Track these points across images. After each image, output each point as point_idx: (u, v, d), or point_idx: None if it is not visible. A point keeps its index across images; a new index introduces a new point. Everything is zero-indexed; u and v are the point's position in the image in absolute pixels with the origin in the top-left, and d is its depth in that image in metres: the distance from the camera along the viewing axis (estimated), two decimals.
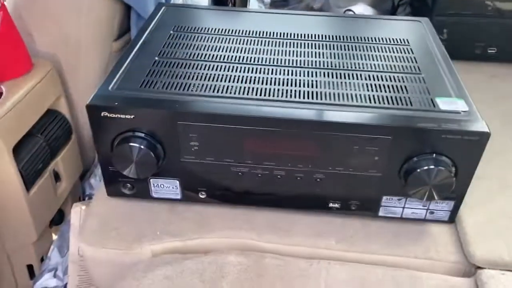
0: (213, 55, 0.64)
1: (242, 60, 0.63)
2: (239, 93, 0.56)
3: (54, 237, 0.97)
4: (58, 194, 0.90)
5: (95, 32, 0.86)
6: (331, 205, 0.60)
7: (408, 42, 0.69)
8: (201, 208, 0.63)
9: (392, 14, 1.14)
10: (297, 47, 0.67)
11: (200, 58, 0.64)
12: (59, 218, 0.98)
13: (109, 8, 0.85)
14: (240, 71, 0.61)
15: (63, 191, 0.92)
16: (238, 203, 0.62)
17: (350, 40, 0.70)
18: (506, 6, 0.93)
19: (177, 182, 0.60)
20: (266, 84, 0.58)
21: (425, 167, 0.53)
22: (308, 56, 0.65)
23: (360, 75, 0.61)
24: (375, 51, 0.67)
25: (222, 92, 0.56)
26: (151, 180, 0.60)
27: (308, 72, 0.61)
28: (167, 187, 0.60)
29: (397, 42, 0.69)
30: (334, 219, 0.63)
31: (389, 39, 0.70)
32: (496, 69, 0.97)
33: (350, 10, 1.11)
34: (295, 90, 0.57)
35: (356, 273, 0.57)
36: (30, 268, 0.92)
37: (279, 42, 0.68)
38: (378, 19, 0.77)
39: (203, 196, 0.61)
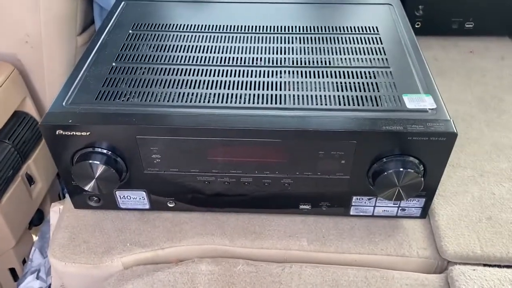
0: (173, 56, 0.62)
1: (204, 61, 0.61)
2: (199, 101, 0.54)
3: (35, 238, 0.97)
4: (34, 197, 0.89)
5: (55, 29, 0.83)
6: (301, 206, 0.60)
7: (377, 30, 0.67)
8: (171, 215, 0.62)
9: None
10: (262, 42, 0.64)
11: (160, 60, 0.61)
12: (38, 219, 0.97)
13: (68, 4, 0.81)
14: (201, 75, 0.58)
15: (39, 193, 0.91)
16: (208, 209, 0.61)
17: (318, 31, 0.67)
18: None
19: (144, 193, 0.59)
20: (229, 88, 0.56)
21: (392, 170, 0.51)
22: (274, 53, 0.62)
23: (327, 72, 0.59)
24: (343, 43, 0.64)
25: (182, 101, 0.54)
26: (116, 192, 0.59)
27: (273, 72, 0.59)
28: (134, 198, 0.59)
29: (366, 31, 0.67)
30: (307, 218, 0.62)
31: (358, 28, 0.67)
32: (474, 43, 0.94)
33: None
34: (259, 94, 0.55)
35: (328, 275, 0.57)
36: (12, 271, 0.92)
37: (244, 37, 0.65)
38: (347, 4, 0.74)
39: (172, 205, 0.60)
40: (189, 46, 0.64)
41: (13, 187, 0.81)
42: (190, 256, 0.59)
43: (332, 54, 0.62)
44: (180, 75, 0.58)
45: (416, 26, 0.93)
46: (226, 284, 0.56)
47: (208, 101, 0.54)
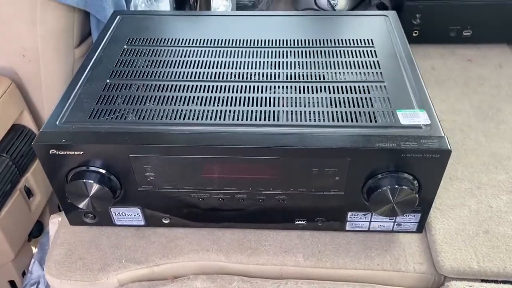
0: (167, 72, 0.62)
1: (197, 77, 0.61)
2: (192, 119, 0.54)
3: (34, 250, 0.97)
4: (33, 210, 0.89)
5: (52, 42, 0.83)
6: (297, 222, 0.59)
7: (372, 43, 0.66)
8: (167, 231, 0.62)
9: None
10: (256, 56, 0.64)
11: (153, 77, 0.61)
12: (38, 230, 0.97)
13: (65, 18, 0.82)
14: (194, 91, 0.58)
15: (38, 205, 0.91)
16: (203, 224, 0.61)
17: (312, 44, 0.67)
18: None
19: (139, 210, 0.59)
20: (222, 104, 0.56)
21: (386, 186, 0.51)
22: (267, 68, 0.62)
23: (321, 87, 0.58)
24: (337, 57, 0.64)
25: (175, 118, 0.54)
26: (111, 209, 0.59)
27: (267, 87, 0.59)
28: (129, 215, 0.59)
29: (361, 43, 0.66)
30: (303, 234, 0.62)
31: (353, 41, 0.67)
32: (472, 51, 0.94)
33: None
34: (253, 111, 0.55)
35: None
36: (12, 283, 0.92)
37: (238, 52, 0.65)
38: (342, 16, 0.74)
39: (167, 221, 0.60)
40: (182, 61, 0.64)
41: (11, 201, 0.81)
42: (186, 273, 0.59)
43: (326, 68, 0.62)
44: (173, 91, 0.58)
45: (414, 35, 0.93)
46: None
47: (201, 118, 0.54)
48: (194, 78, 0.61)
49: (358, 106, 0.55)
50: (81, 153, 0.52)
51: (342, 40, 0.67)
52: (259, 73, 0.61)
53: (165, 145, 0.51)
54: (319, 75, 0.60)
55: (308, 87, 0.59)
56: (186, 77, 0.61)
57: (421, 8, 0.90)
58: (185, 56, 0.65)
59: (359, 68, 0.62)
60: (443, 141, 0.50)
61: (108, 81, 0.60)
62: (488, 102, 0.82)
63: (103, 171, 0.53)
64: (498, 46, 0.95)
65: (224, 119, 0.54)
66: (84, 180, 0.52)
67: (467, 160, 0.70)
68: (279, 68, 0.62)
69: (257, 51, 0.65)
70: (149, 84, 0.59)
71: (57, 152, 0.52)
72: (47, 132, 0.53)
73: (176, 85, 0.59)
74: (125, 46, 0.67)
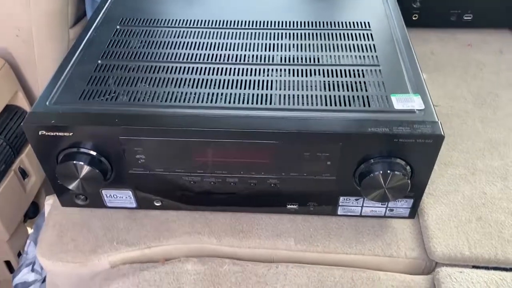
0: (160, 53, 0.61)
1: (190, 59, 0.60)
2: (184, 101, 0.53)
3: (30, 231, 0.97)
4: (28, 191, 0.89)
5: (46, 22, 0.82)
6: (289, 206, 0.59)
7: (369, 26, 0.65)
8: (159, 213, 0.62)
9: None
10: (251, 38, 0.63)
11: (146, 58, 0.60)
12: (34, 212, 0.97)
13: None
14: (186, 73, 0.57)
15: (33, 186, 0.91)
16: (195, 207, 0.61)
17: (308, 26, 0.66)
18: None
19: (130, 192, 0.58)
20: (216, 87, 0.55)
21: (378, 171, 0.51)
22: (262, 50, 0.61)
23: (316, 70, 0.58)
24: (333, 39, 0.63)
25: (167, 100, 0.53)
26: (103, 191, 0.58)
27: (261, 70, 0.58)
28: (120, 197, 0.59)
29: (357, 26, 0.65)
30: (295, 218, 0.62)
31: (349, 23, 0.66)
32: (472, 36, 0.93)
33: None
34: (246, 94, 0.54)
35: (314, 276, 0.56)
36: (8, 263, 0.93)
37: (232, 33, 0.64)
38: None
39: (158, 204, 0.60)
40: (175, 42, 0.63)
41: (6, 182, 0.81)
42: (177, 255, 0.59)
43: (321, 51, 0.61)
44: (166, 73, 0.58)
45: (414, 18, 0.91)
46: (211, 284, 0.56)
47: (193, 101, 0.53)
48: (187, 60, 0.60)
49: (352, 90, 0.55)
50: (70, 134, 0.51)
51: (338, 22, 0.66)
52: (253, 55, 0.60)
53: (156, 127, 0.51)
54: (314, 58, 0.60)
55: (302, 70, 0.58)
56: (179, 59, 0.60)
57: None
58: (178, 37, 0.64)
59: (354, 51, 0.61)
60: (437, 126, 0.50)
61: (99, 62, 0.59)
62: (487, 88, 0.81)
63: (93, 153, 0.53)
64: (499, 31, 0.93)
65: (216, 102, 0.53)
66: (74, 162, 0.52)
67: (463, 146, 0.69)
68: (273, 51, 0.61)
69: (251, 33, 0.64)
70: (141, 66, 0.59)
71: (46, 133, 0.51)
72: (36, 113, 0.52)
73: (169, 67, 0.58)
74: (118, 27, 0.66)
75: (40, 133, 0.51)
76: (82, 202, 0.60)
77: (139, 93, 0.54)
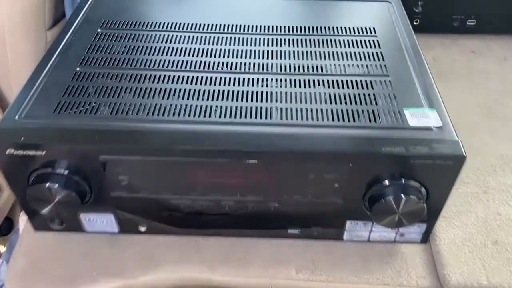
0: (145, 60, 0.55)
1: (179, 66, 0.54)
2: (173, 115, 0.47)
3: (3, 249, 0.90)
4: (0, 206, 0.82)
5: (21, 23, 0.75)
6: (290, 231, 0.53)
7: (374, 32, 0.60)
8: (144, 239, 0.56)
9: None
10: (247, 44, 0.58)
11: (130, 65, 0.54)
12: (7, 228, 0.90)
13: None
14: (175, 82, 0.51)
15: (7, 201, 0.84)
16: (185, 231, 0.55)
17: (309, 32, 0.60)
18: None
19: (112, 216, 0.52)
20: (208, 99, 0.49)
21: (391, 196, 0.45)
22: (260, 57, 0.55)
23: (319, 81, 0.52)
24: (337, 46, 0.57)
25: (154, 114, 0.47)
26: (81, 215, 0.52)
27: (258, 79, 0.52)
28: (101, 221, 0.53)
29: (363, 32, 0.60)
30: (296, 243, 0.56)
31: (354, 29, 0.61)
32: (475, 42, 0.88)
33: None
34: (242, 107, 0.48)
35: None
36: None
37: (226, 38, 0.58)
38: (341, 1, 0.67)
39: (143, 229, 0.54)
40: (162, 47, 0.57)
41: None
42: (165, 286, 0.53)
43: (325, 59, 0.55)
44: (152, 82, 0.51)
45: (415, 23, 0.87)
46: None
47: (183, 115, 0.47)
48: (176, 67, 0.54)
49: (360, 104, 0.49)
50: (43, 153, 0.45)
51: (341, 28, 0.61)
52: (249, 63, 0.54)
53: (142, 146, 0.45)
54: (317, 67, 0.54)
55: (304, 80, 0.52)
56: (167, 66, 0.54)
57: None
58: (166, 42, 0.58)
59: (360, 59, 0.55)
60: (457, 145, 0.45)
61: (78, 69, 0.53)
62: (493, 98, 0.76)
63: (70, 174, 0.46)
64: (503, 37, 0.89)
65: (210, 116, 0.47)
66: (48, 184, 0.46)
67: (473, 162, 0.65)
68: (272, 58, 0.55)
69: (247, 38, 0.59)
70: (124, 74, 0.52)
71: (15, 152, 0.45)
72: (4, 129, 0.45)
73: (155, 75, 0.52)
74: (99, 30, 0.60)
75: (8, 151, 0.45)
76: (58, 226, 0.54)
77: (122, 105, 0.48)
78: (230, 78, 0.52)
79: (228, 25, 0.61)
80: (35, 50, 0.80)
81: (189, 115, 0.47)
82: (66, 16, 0.85)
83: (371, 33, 0.60)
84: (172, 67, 0.54)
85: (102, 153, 0.45)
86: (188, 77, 0.52)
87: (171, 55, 0.56)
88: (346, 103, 0.49)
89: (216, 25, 0.61)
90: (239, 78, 0.52)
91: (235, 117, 0.47)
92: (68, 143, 0.45)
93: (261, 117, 0.47)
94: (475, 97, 0.76)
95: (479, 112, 0.73)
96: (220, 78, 0.52)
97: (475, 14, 0.86)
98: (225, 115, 0.47)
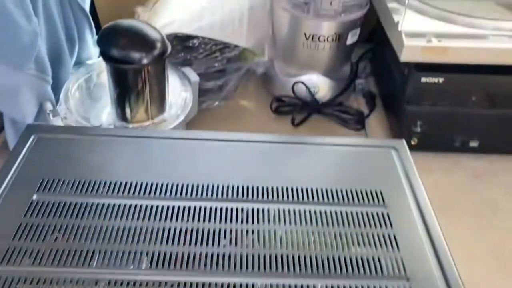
0: (84, 251, 0.41)
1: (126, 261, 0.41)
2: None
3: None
4: None
5: None
6: None
7: (383, 201, 0.49)
8: None
9: (352, 81, 0.94)
10: (220, 221, 0.45)
11: (66, 264, 0.40)
12: None
13: None
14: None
15: None
16: None
17: (299, 199, 0.48)
18: (491, 95, 0.75)
19: None
20: None
21: None
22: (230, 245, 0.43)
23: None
24: (337, 225, 0.46)
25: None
26: None
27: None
28: None
29: (369, 201, 0.49)
30: None
31: (357, 192, 0.49)
32: (479, 164, 0.80)
33: (300, 82, 0.89)
34: None
35: None
36: None
37: (203, 208, 0.46)
38: (336, 146, 0.56)
39: None
40: (112, 228, 0.43)
41: None
42: None
43: (337, 249, 0.43)
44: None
45: (412, 143, 0.77)
46: None
47: None
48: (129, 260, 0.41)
49: None
50: None
51: (343, 191, 0.49)
52: (228, 254, 0.42)
53: None
54: (329, 261, 0.42)
55: (302, 286, 0.40)
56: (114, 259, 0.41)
57: (423, 114, 0.75)
58: (119, 219, 0.44)
59: (374, 247, 0.43)
60: None
61: None
62: (508, 243, 0.66)
63: None
64: (508, 158, 0.81)
65: None
66: None
67: None
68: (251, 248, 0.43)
69: (226, 208, 0.46)
70: (53, 278, 0.39)
71: None
72: None
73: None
74: (34, 196, 0.46)
75: None
76: None
77: None
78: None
79: (209, 185, 0.48)
80: None
81: None
82: (5, 130, 0.72)
83: (379, 202, 0.48)
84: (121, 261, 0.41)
85: None
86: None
87: (124, 243, 0.42)
88: None
89: (181, 185, 0.48)
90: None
91: None
92: None
93: None
94: (487, 240, 0.68)
95: (495, 266, 0.63)
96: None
97: (478, 135, 0.78)
98: None
